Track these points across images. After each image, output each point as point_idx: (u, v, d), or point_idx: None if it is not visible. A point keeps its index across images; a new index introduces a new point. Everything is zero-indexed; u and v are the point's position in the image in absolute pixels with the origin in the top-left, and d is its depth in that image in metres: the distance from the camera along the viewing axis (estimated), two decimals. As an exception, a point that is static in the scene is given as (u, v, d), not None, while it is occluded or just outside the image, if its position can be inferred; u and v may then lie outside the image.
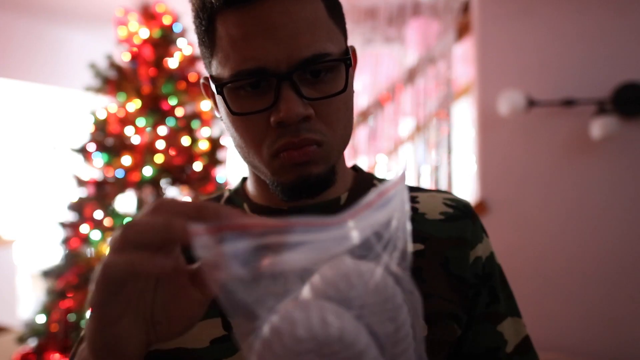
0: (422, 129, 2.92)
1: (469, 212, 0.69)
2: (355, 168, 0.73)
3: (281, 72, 0.54)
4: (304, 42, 0.54)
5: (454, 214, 0.68)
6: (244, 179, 0.73)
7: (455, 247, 0.65)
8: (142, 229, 0.36)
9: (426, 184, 2.88)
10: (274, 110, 0.55)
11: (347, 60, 0.57)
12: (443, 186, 2.81)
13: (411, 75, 2.93)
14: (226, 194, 0.73)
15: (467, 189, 2.91)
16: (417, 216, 0.67)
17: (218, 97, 0.59)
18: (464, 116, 3.31)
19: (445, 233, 0.66)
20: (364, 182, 0.70)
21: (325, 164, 0.59)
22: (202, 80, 0.64)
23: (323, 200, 0.64)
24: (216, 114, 0.64)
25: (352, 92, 0.61)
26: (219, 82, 0.56)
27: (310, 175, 0.58)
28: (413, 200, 0.70)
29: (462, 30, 2.78)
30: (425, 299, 0.61)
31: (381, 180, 0.73)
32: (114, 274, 0.36)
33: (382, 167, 3.09)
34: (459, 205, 0.69)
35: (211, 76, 0.59)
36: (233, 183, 2.79)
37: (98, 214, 2.44)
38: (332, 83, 0.57)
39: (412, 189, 0.72)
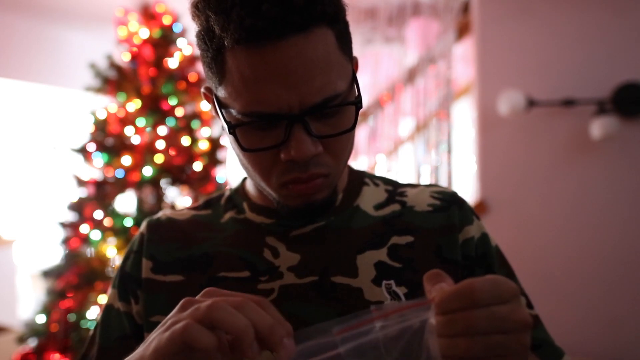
0: (422, 129, 2.92)
1: (455, 199, 0.71)
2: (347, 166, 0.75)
3: (293, 114, 0.54)
4: (316, 86, 0.53)
5: (441, 205, 0.70)
6: (245, 179, 0.75)
7: (445, 235, 0.67)
8: (228, 323, 0.42)
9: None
10: (284, 148, 0.55)
11: (357, 103, 0.57)
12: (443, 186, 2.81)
13: (411, 75, 2.93)
14: (227, 193, 0.75)
15: (467, 189, 2.91)
16: (405, 209, 0.70)
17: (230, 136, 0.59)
18: (464, 116, 3.31)
19: (434, 223, 0.68)
20: (356, 180, 0.73)
21: (329, 190, 0.61)
22: (202, 90, 0.64)
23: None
24: (214, 114, 0.65)
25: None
26: (230, 121, 0.57)
27: (315, 202, 0.60)
28: (401, 194, 0.72)
29: (462, 30, 2.78)
30: (418, 289, 0.63)
31: (372, 177, 0.75)
32: (192, 342, 0.42)
33: (382, 167, 3.09)
34: (446, 196, 0.72)
35: (216, 97, 0.59)
36: (233, 183, 2.79)
37: (98, 214, 2.44)
38: (341, 119, 0.57)
39: (401, 185, 0.75)
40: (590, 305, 2.22)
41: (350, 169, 0.74)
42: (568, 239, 2.26)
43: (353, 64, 0.61)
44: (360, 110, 0.59)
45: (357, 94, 0.59)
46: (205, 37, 0.55)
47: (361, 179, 0.73)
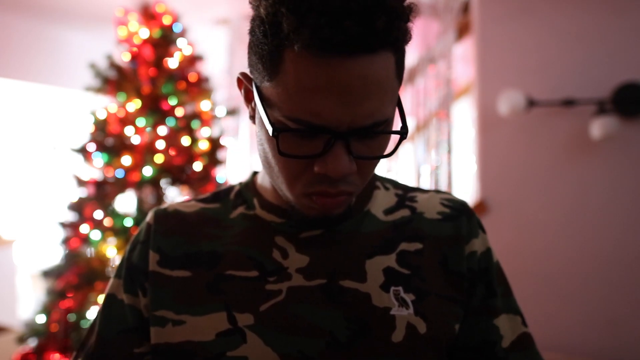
0: (422, 129, 2.92)
1: (465, 209, 0.71)
2: None
3: (339, 131, 0.52)
4: (369, 109, 0.52)
5: (451, 214, 0.70)
6: (255, 173, 0.74)
7: (452, 245, 0.67)
8: None
9: (426, 184, 2.88)
10: (320, 160, 0.54)
11: (403, 133, 0.56)
12: (443, 186, 2.81)
13: (411, 75, 2.94)
14: (237, 187, 0.74)
15: (467, 189, 2.91)
16: (415, 216, 0.69)
17: (267, 135, 0.57)
18: (464, 116, 3.31)
19: (442, 232, 0.68)
20: (368, 184, 0.72)
21: (347, 206, 0.61)
22: (238, 75, 0.62)
23: None
24: (246, 102, 0.63)
25: None
26: (274, 123, 0.54)
27: (331, 216, 0.60)
28: (412, 200, 0.72)
29: (462, 30, 2.78)
30: (425, 296, 0.63)
31: (383, 180, 0.75)
32: None
33: (382, 167, 3.09)
34: (456, 205, 0.71)
35: (258, 89, 0.57)
36: (233, 183, 2.79)
37: (98, 214, 2.44)
38: (382, 143, 0.57)
39: (411, 189, 0.74)
40: (590, 306, 2.22)
41: None
42: (568, 239, 2.26)
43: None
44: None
45: (403, 122, 0.57)
46: (268, 29, 0.52)
47: (372, 182, 0.73)
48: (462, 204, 0.72)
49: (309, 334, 0.60)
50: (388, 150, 0.58)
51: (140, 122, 2.51)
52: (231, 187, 0.75)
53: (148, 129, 2.53)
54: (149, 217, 0.71)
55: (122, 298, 0.68)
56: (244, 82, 0.62)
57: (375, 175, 0.74)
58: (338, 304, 0.61)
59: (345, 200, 0.58)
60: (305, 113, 0.52)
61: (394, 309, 0.61)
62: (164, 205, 0.73)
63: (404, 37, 0.53)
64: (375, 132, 0.54)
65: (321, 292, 0.62)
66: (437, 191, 0.74)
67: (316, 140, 0.54)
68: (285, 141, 0.54)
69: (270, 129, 0.54)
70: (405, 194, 0.73)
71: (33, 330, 2.48)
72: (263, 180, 0.70)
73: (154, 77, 2.58)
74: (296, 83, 0.51)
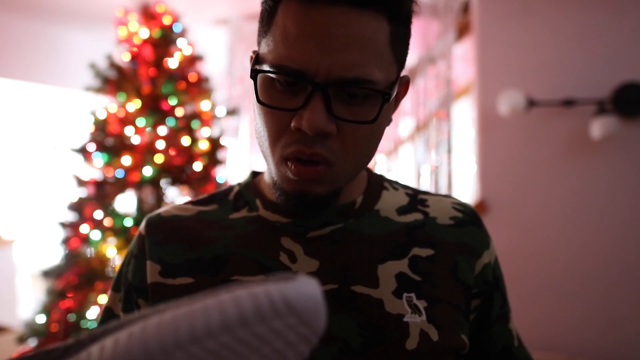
0: (422, 129, 2.92)
1: (476, 217, 0.71)
2: (366, 169, 0.72)
3: (317, 81, 0.52)
4: (350, 61, 0.52)
5: (463, 219, 0.69)
6: (255, 174, 0.73)
7: (463, 254, 0.67)
8: None
9: (426, 184, 2.88)
10: (297, 115, 0.54)
11: (385, 94, 0.55)
12: (443, 186, 2.81)
13: (411, 75, 2.93)
14: (236, 188, 0.72)
15: (467, 189, 2.91)
16: (428, 220, 0.68)
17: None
18: (464, 116, 3.31)
19: (455, 238, 0.67)
20: (376, 184, 0.71)
21: (329, 186, 0.58)
22: (251, 54, 0.63)
23: (338, 203, 0.65)
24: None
25: (383, 124, 0.59)
26: (257, 69, 0.56)
27: (310, 193, 0.57)
28: (423, 203, 0.70)
29: (462, 30, 2.78)
30: (436, 303, 0.62)
31: (390, 182, 0.73)
32: None
33: (382, 167, 3.09)
34: (467, 210, 0.71)
35: (257, 54, 0.58)
36: (233, 183, 2.79)
37: (98, 214, 2.44)
38: (366, 109, 0.55)
39: (420, 192, 0.73)
40: (590, 305, 2.22)
41: (370, 172, 0.72)
42: (568, 239, 2.26)
43: (401, 83, 0.60)
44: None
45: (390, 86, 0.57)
46: None
47: (381, 182, 0.71)
48: (472, 211, 0.71)
49: (320, 341, 0.57)
50: (371, 117, 0.56)
51: (140, 122, 2.51)
52: (229, 188, 0.72)
53: (148, 129, 2.53)
54: (142, 226, 0.69)
55: (119, 314, 0.66)
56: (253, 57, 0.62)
57: (383, 177, 0.73)
58: (350, 310, 0.60)
59: (323, 172, 0.56)
60: (286, 59, 0.53)
61: (407, 316, 0.60)
62: (157, 211, 0.70)
63: (397, 6, 0.53)
64: (355, 86, 0.53)
65: (332, 298, 0.60)
66: (445, 195, 0.74)
67: (298, 97, 0.54)
68: (268, 92, 0.55)
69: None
70: (415, 195, 0.72)
71: (33, 330, 2.48)
72: (266, 177, 0.68)
73: (154, 77, 2.58)
74: (282, 32, 0.53)
